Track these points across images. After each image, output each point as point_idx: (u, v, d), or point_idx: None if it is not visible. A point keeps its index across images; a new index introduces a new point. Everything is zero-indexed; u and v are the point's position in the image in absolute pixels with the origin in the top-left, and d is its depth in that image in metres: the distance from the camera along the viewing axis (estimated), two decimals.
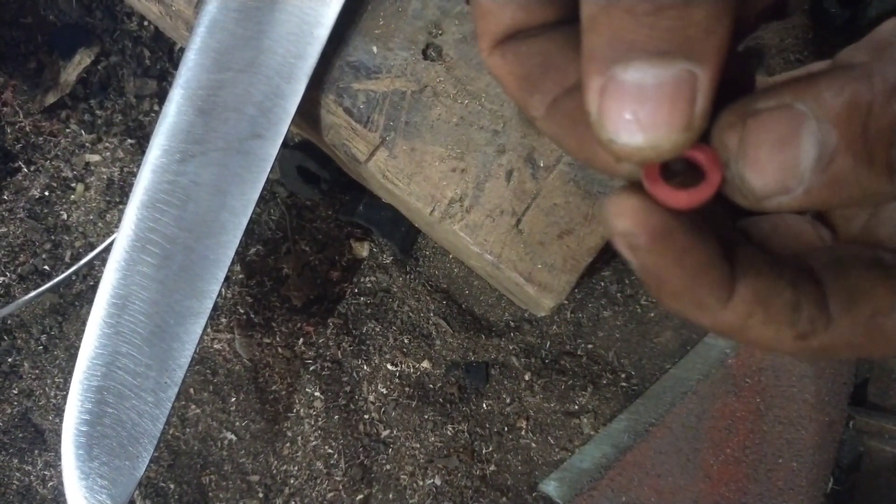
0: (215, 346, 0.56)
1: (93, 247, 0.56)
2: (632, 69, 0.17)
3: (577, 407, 0.57)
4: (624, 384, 0.57)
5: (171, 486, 0.54)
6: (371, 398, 0.56)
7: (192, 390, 0.55)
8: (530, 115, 0.23)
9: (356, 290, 0.59)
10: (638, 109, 0.17)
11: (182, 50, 0.59)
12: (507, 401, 0.57)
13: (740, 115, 0.18)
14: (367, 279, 0.59)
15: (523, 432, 0.56)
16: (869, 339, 0.21)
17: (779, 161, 0.17)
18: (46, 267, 0.56)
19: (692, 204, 0.19)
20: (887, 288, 0.21)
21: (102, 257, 0.52)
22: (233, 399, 0.55)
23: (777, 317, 0.21)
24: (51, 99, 0.57)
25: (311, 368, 0.57)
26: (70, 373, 0.54)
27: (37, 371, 0.55)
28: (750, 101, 0.18)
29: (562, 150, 0.26)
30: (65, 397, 0.54)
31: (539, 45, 0.22)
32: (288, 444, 0.56)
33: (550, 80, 0.22)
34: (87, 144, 0.58)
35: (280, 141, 0.39)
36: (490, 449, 0.56)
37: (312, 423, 0.56)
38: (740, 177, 0.18)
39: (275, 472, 0.55)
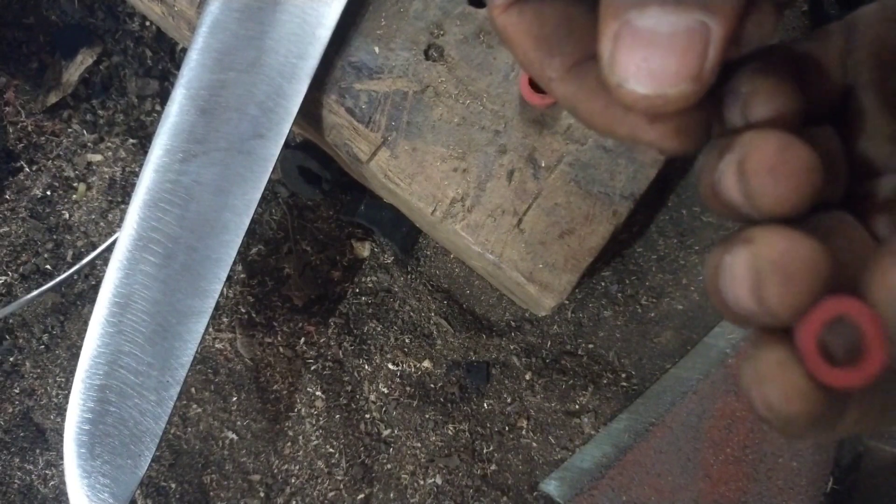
0: (217, 345, 0.56)
1: (95, 246, 0.56)
2: (647, 16, 0.16)
3: (577, 406, 0.57)
4: (624, 384, 0.58)
5: (173, 486, 0.54)
6: (372, 398, 0.56)
7: (193, 390, 0.55)
8: (545, 75, 0.21)
9: (357, 290, 0.59)
10: (649, 56, 0.16)
11: (184, 50, 0.59)
12: (508, 400, 0.57)
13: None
14: (369, 279, 0.59)
15: (524, 432, 0.56)
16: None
17: None
18: (48, 266, 0.56)
19: (855, 384, 0.16)
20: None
21: (104, 257, 0.52)
22: (234, 398, 0.56)
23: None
24: (53, 99, 0.57)
25: (313, 368, 0.57)
26: (71, 372, 0.54)
27: (38, 370, 0.55)
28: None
29: (574, 117, 0.24)
30: (66, 396, 0.55)
31: (562, 5, 0.21)
32: (289, 444, 0.56)
33: (573, 42, 0.21)
34: (89, 144, 0.58)
35: (282, 141, 0.39)
36: (491, 448, 0.56)
37: (314, 422, 0.56)
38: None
39: (276, 471, 0.55)
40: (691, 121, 0.19)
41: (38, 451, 0.54)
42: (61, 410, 0.55)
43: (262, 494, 0.55)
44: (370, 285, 0.59)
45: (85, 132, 0.58)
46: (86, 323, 0.49)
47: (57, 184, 0.57)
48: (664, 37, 0.16)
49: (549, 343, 0.58)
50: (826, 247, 0.16)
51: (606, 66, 0.17)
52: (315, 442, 0.56)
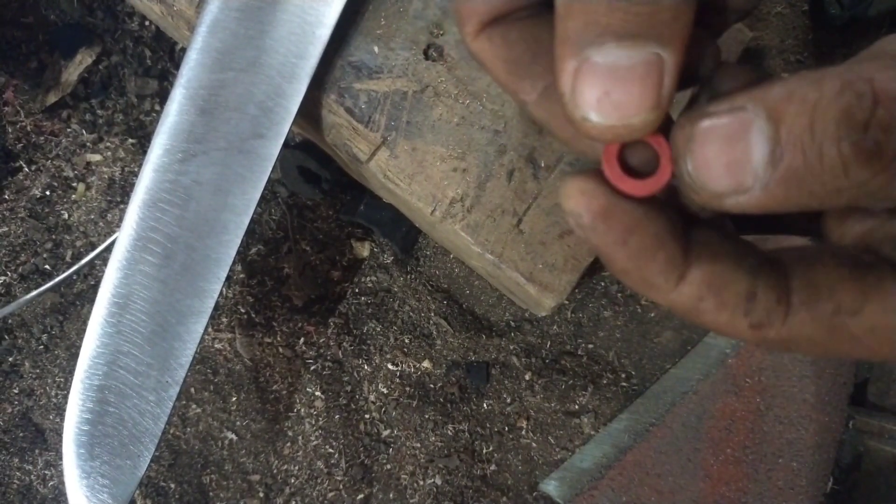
0: (216, 345, 0.56)
1: (94, 246, 0.56)
2: (605, 51, 0.18)
3: (577, 407, 0.57)
4: (624, 384, 0.58)
5: (172, 486, 0.54)
6: (372, 398, 0.56)
7: (192, 390, 0.55)
8: (520, 99, 0.23)
9: (357, 290, 0.59)
10: (611, 89, 0.18)
11: (183, 50, 0.59)
12: (508, 400, 0.57)
13: (692, 118, 0.19)
14: (368, 279, 0.59)
15: (524, 432, 0.56)
16: (831, 337, 0.21)
17: (727, 158, 0.18)
18: (47, 266, 0.56)
19: (644, 193, 0.20)
20: (856, 287, 0.21)
21: (104, 257, 0.52)
22: (233, 398, 0.56)
23: (729, 304, 0.21)
24: (52, 98, 0.57)
25: (312, 368, 0.57)
26: (71, 372, 0.54)
27: (37, 370, 0.55)
28: (705, 106, 0.19)
29: (554, 140, 0.27)
30: (65, 396, 0.54)
31: (528, 29, 0.22)
32: (289, 444, 0.56)
33: (541, 64, 0.22)
34: (88, 144, 0.58)
35: (281, 140, 0.39)
36: (490, 448, 0.56)
37: (313, 422, 0.56)
38: (689, 173, 0.19)
39: (275, 471, 0.55)
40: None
41: (37, 451, 0.54)
42: (60, 411, 0.55)
43: (261, 495, 0.55)
44: (370, 285, 0.59)
45: (84, 132, 0.58)
46: (85, 323, 0.48)
47: (56, 184, 0.57)
48: (623, 70, 0.18)
49: (548, 343, 0.58)
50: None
51: (569, 101, 0.19)
52: (314, 442, 0.56)
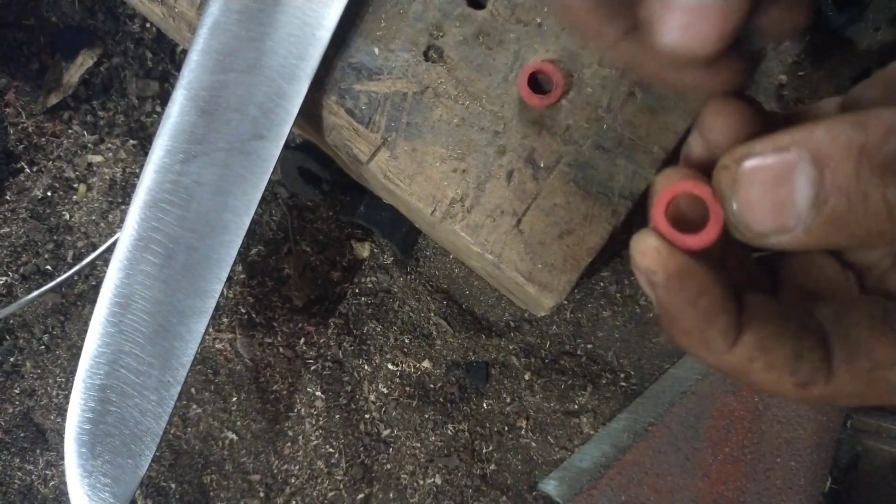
0: (217, 345, 0.56)
1: (95, 247, 0.56)
2: None
3: (576, 406, 0.57)
4: (623, 384, 0.58)
5: (173, 486, 0.54)
6: (372, 398, 0.57)
7: (193, 390, 0.55)
8: (603, 41, 0.24)
9: (357, 291, 0.59)
10: (692, 23, 0.20)
11: (184, 51, 0.59)
12: (507, 400, 0.57)
13: (736, 158, 0.20)
14: (368, 279, 0.59)
15: (523, 432, 0.57)
16: (869, 390, 0.22)
17: (771, 200, 0.19)
18: (49, 267, 0.56)
19: (699, 245, 0.21)
20: (889, 340, 0.22)
21: (105, 257, 0.52)
22: (234, 399, 0.56)
23: (779, 365, 0.22)
24: (53, 100, 0.58)
25: (313, 368, 0.57)
26: (72, 372, 0.54)
27: (39, 370, 0.55)
28: (747, 146, 0.20)
29: (635, 72, 0.30)
30: (66, 397, 0.55)
31: None
32: (289, 444, 0.56)
33: (625, 10, 0.23)
34: (89, 145, 0.58)
35: (282, 142, 0.39)
36: (490, 448, 0.56)
37: (313, 422, 0.56)
38: (734, 213, 0.20)
39: (276, 471, 0.55)
40: (724, 62, 0.22)
41: (38, 451, 0.54)
42: (62, 411, 0.55)
43: (261, 494, 0.55)
44: (370, 286, 0.59)
45: (85, 133, 0.58)
46: (86, 323, 0.49)
47: (57, 185, 0.57)
48: (704, 6, 0.19)
49: (548, 343, 0.58)
50: None
51: (657, 31, 0.20)
52: (315, 442, 0.56)
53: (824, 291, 0.25)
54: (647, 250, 0.21)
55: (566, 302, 0.58)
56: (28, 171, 0.57)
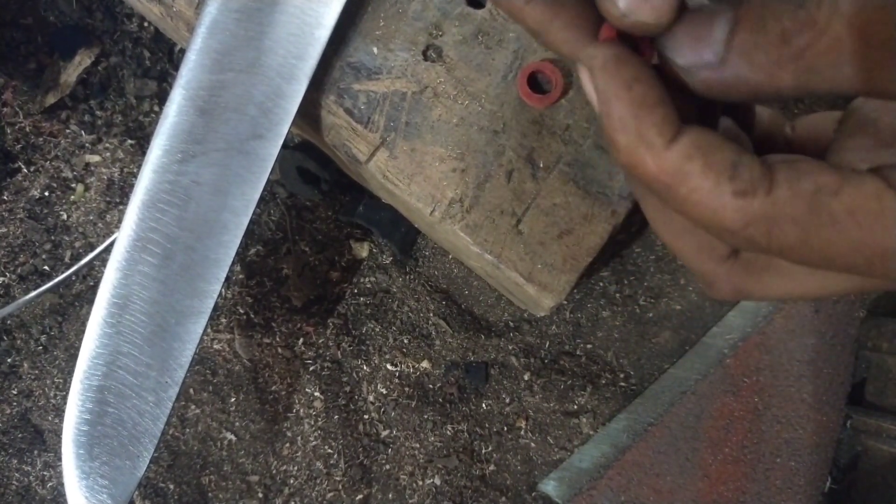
0: (215, 346, 0.56)
1: (92, 247, 0.56)
2: None
3: (576, 407, 0.57)
4: (623, 384, 0.58)
5: (171, 487, 0.54)
6: (371, 398, 0.56)
7: (191, 390, 0.55)
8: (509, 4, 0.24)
9: (356, 291, 0.59)
10: None
11: (182, 51, 0.59)
12: (507, 401, 0.57)
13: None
14: (367, 279, 0.59)
15: (522, 432, 0.56)
16: (812, 216, 0.21)
17: (693, 35, 0.21)
18: (46, 267, 0.56)
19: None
20: (834, 171, 0.21)
21: (103, 257, 0.52)
22: (232, 399, 0.56)
23: (717, 166, 0.22)
24: (51, 99, 0.57)
25: (311, 369, 0.57)
26: (69, 373, 0.54)
27: (36, 371, 0.55)
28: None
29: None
30: (64, 398, 0.55)
31: None
32: (287, 445, 0.56)
33: None
34: (87, 145, 0.58)
35: (281, 141, 0.39)
36: (489, 449, 0.56)
37: (312, 423, 0.56)
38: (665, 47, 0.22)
39: (274, 472, 0.55)
40: None
41: (35, 452, 0.54)
42: (59, 411, 0.55)
43: (260, 495, 0.55)
44: (369, 286, 0.59)
45: (83, 133, 0.58)
46: (84, 324, 0.48)
47: (55, 185, 0.57)
48: None
49: (547, 343, 0.58)
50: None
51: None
52: (314, 442, 0.56)
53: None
54: (591, 47, 0.23)
55: (566, 302, 0.58)
56: (25, 170, 0.57)
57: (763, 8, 0.20)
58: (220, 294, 0.40)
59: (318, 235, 0.59)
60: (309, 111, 0.42)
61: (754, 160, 0.22)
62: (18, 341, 0.55)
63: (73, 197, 0.57)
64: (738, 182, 0.21)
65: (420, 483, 0.55)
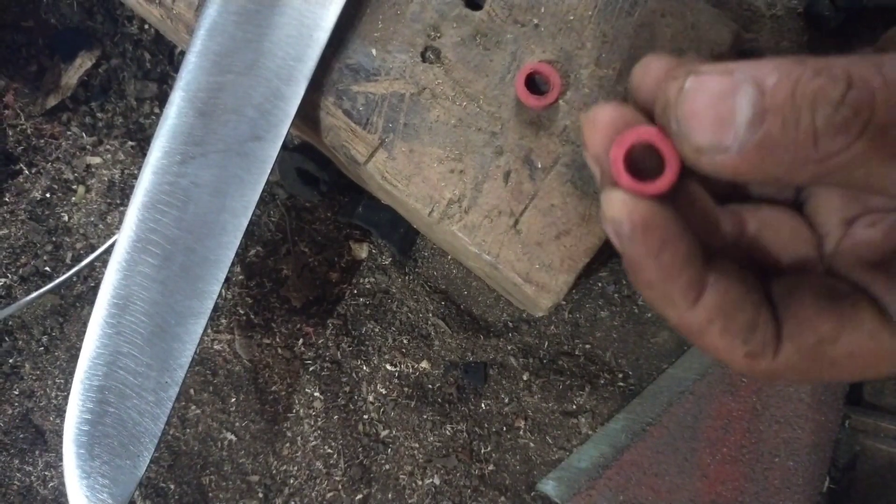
0: (215, 346, 0.56)
1: (94, 248, 0.56)
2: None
3: (574, 407, 0.57)
4: (621, 384, 0.58)
5: (171, 487, 0.54)
6: (370, 398, 0.57)
7: (192, 391, 0.55)
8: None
9: (355, 291, 0.59)
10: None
11: (182, 53, 0.59)
12: (506, 401, 0.57)
13: (686, 71, 0.21)
14: (366, 280, 0.59)
15: (521, 432, 0.57)
16: (814, 365, 0.23)
17: (714, 112, 0.20)
18: (47, 268, 0.56)
19: (660, 190, 0.22)
20: (833, 318, 0.23)
21: (103, 258, 0.53)
22: (233, 399, 0.56)
23: (734, 331, 0.23)
24: (52, 102, 0.58)
25: (311, 369, 0.57)
26: (71, 373, 0.54)
27: (38, 372, 0.56)
28: (696, 64, 0.21)
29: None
30: (65, 398, 0.55)
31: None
32: (287, 445, 0.56)
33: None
34: (87, 147, 0.58)
35: (280, 143, 0.39)
36: (489, 449, 0.56)
37: (312, 423, 0.56)
38: (676, 120, 0.21)
39: (274, 472, 0.55)
40: None
41: (37, 452, 0.54)
42: (60, 412, 0.55)
43: (260, 495, 0.55)
44: (368, 286, 0.59)
45: (84, 135, 0.58)
46: (85, 324, 0.49)
47: (56, 186, 0.57)
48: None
49: (546, 343, 0.58)
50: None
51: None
52: (313, 443, 0.56)
53: (784, 252, 0.27)
54: (613, 201, 0.22)
55: (564, 302, 0.58)
56: (27, 172, 0.57)
57: (795, 101, 0.19)
58: (220, 295, 0.40)
59: (318, 236, 0.60)
60: (308, 113, 0.43)
61: (769, 320, 0.23)
62: (20, 342, 0.56)
63: (74, 198, 0.58)
64: (751, 345, 0.23)
65: (419, 483, 0.55)
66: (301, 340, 0.57)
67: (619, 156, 0.22)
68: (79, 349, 0.40)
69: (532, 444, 0.57)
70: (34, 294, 0.52)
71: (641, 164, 0.23)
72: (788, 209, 0.28)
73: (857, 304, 0.23)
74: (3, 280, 0.56)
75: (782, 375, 0.24)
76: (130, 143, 0.58)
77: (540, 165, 0.41)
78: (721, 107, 0.20)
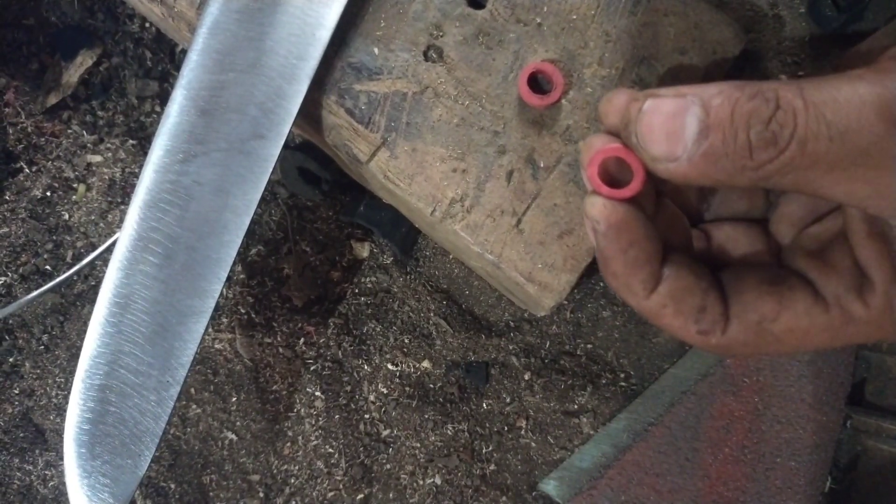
0: (216, 345, 0.56)
1: (94, 247, 0.56)
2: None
3: (576, 406, 0.57)
4: (623, 384, 0.58)
5: (172, 486, 0.54)
6: (371, 398, 0.57)
7: (192, 390, 0.55)
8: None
9: (357, 291, 0.59)
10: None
11: (183, 51, 0.59)
12: (507, 400, 0.57)
13: (645, 94, 0.26)
14: (368, 279, 0.59)
15: (523, 432, 0.57)
16: (758, 340, 0.27)
17: (667, 128, 0.24)
18: (48, 267, 0.56)
19: (630, 194, 0.27)
20: (773, 299, 0.27)
21: (104, 257, 0.52)
22: (234, 399, 0.56)
23: (685, 313, 0.28)
24: (53, 100, 0.57)
25: (312, 368, 0.57)
26: (71, 372, 0.54)
27: (38, 371, 0.55)
28: (655, 91, 0.26)
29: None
30: (66, 397, 0.55)
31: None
32: (289, 444, 0.56)
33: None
34: (88, 145, 0.58)
35: (282, 141, 0.39)
36: (490, 448, 0.56)
37: (313, 422, 0.56)
38: (636, 135, 0.26)
39: (275, 471, 0.55)
40: None
41: (37, 451, 0.54)
42: (61, 411, 0.55)
43: (261, 495, 0.55)
44: (369, 286, 0.59)
45: (85, 133, 0.58)
46: (85, 323, 0.49)
47: (57, 185, 0.57)
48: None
49: (548, 343, 0.58)
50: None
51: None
52: (314, 442, 0.56)
53: (738, 253, 0.32)
54: (595, 204, 0.27)
55: (566, 302, 0.58)
56: (27, 170, 0.57)
57: (734, 120, 0.23)
58: (222, 294, 0.40)
59: (319, 235, 0.59)
60: (310, 111, 0.42)
61: (716, 303, 0.28)
62: (20, 341, 0.56)
63: (74, 197, 0.57)
64: (701, 324, 0.28)
65: (421, 482, 0.55)
66: (302, 340, 0.57)
67: (593, 169, 0.27)
68: (79, 348, 0.40)
69: (533, 444, 0.56)
70: (35, 293, 0.52)
71: (618, 174, 0.27)
72: (752, 224, 0.33)
73: (793, 287, 0.28)
74: (4, 278, 0.56)
75: (732, 349, 0.28)
76: (131, 141, 0.58)
77: (542, 165, 0.41)
78: (673, 124, 0.24)
